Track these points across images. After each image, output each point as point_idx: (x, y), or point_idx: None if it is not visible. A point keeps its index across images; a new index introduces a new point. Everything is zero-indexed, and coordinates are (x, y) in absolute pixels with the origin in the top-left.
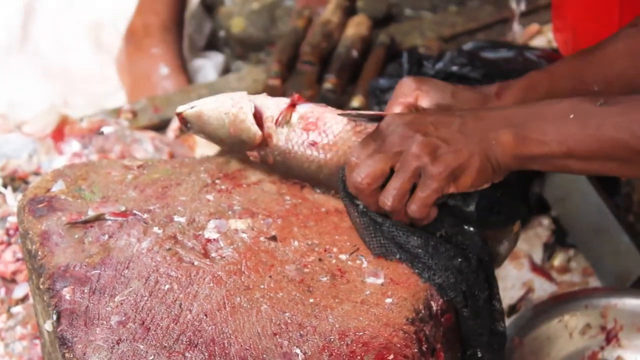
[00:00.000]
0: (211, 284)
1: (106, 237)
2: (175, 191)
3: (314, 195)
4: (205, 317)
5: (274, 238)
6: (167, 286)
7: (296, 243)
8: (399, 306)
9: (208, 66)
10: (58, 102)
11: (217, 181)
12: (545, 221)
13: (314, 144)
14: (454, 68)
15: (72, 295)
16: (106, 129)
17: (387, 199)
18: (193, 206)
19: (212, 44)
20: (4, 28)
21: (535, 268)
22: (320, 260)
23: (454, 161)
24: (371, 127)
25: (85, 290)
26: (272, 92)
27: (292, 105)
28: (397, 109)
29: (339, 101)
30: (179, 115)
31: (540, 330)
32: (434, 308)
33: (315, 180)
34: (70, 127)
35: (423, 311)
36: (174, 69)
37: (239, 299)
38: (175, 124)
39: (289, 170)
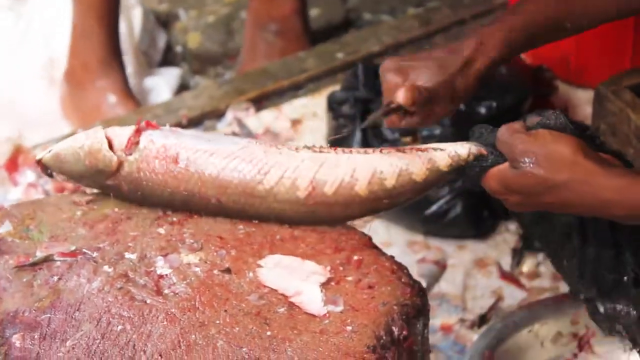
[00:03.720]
0: (165, 322)
1: (55, 278)
2: (126, 226)
3: (268, 223)
4: (160, 357)
5: (227, 270)
6: (119, 327)
7: (251, 274)
8: (360, 334)
9: (161, 85)
10: (14, 137)
11: (168, 212)
12: (512, 226)
13: (165, 170)
14: None
15: (22, 342)
16: None
17: None
18: (144, 241)
19: (169, 59)
20: None
21: (504, 275)
22: (276, 290)
23: None
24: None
25: (36, 336)
26: None
27: (138, 132)
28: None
29: None
30: (39, 162)
31: (511, 341)
32: (396, 333)
33: (172, 206)
34: (24, 156)
35: (384, 337)
36: (121, 97)
37: (194, 336)
38: None
39: (144, 198)
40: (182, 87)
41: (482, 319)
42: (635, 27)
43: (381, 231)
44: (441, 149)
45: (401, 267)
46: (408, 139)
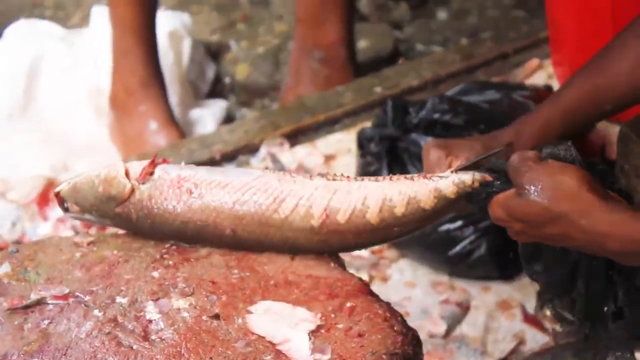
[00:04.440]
0: None
1: (46, 322)
2: (122, 269)
3: (263, 267)
4: None
5: (216, 316)
6: None
7: (240, 320)
8: None
9: (206, 116)
10: (58, 166)
11: (165, 255)
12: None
13: (178, 199)
14: (436, 115)
15: None
16: None
17: None
18: (137, 285)
19: (217, 91)
20: (8, 92)
21: (528, 318)
22: (264, 337)
23: None
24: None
25: None
26: None
27: (153, 163)
28: None
29: None
30: (57, 195)
31: None
32: None
33: (183, 236)
34: None
35: None
36: (163, 123)
37: None
38: None
39: (153, 227)
40: (228, 119)
41: None
42: None
43: (407, 272)
44: (446, 177)
45: (395, 315)
46: None
